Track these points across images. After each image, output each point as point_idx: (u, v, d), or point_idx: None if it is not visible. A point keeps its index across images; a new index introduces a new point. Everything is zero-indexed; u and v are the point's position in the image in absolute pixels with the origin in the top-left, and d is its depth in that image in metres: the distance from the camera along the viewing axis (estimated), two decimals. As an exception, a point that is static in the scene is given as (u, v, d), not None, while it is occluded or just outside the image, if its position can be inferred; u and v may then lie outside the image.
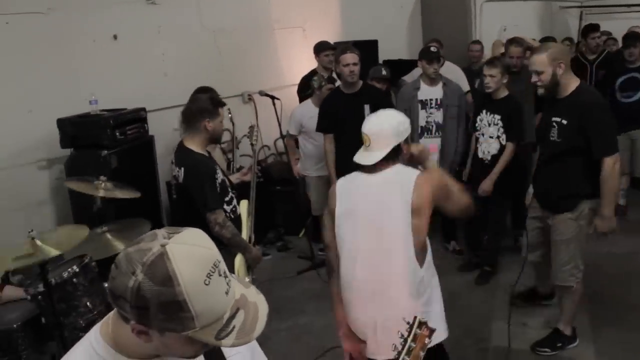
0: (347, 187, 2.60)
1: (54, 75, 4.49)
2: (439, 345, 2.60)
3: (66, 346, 2.71)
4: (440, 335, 2.51)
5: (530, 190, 3.83)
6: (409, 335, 1.44)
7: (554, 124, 3.42)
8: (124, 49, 5.03)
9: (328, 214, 2.62)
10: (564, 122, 3.37)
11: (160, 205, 4.74)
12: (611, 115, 3.44)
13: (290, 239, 5.80)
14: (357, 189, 2.55)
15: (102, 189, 3.47)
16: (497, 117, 4.51)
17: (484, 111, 4.59)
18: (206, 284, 1.04)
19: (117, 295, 1.06)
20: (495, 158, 4.56)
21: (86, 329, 2.82)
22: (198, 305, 1.04)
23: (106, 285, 3.16)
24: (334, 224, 2.56)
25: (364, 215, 2.50)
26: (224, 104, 3.35)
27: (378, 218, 2.47)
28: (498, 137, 4.53)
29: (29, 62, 4.35)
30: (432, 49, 5.31)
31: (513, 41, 5.32)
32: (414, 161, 2.65)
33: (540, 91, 3.46)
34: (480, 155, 4.62)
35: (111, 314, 1.19)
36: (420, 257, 2.48)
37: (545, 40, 6.27)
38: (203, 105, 3.21)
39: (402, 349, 1.43)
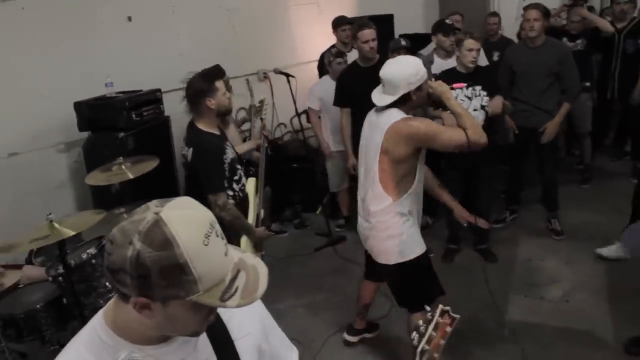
0: (365, 120, 3.06)
1: (69, 59, 4.52)
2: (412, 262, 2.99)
3: (87, 325, 2.79)
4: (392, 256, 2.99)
5: None
6: (430, 323, 1.43)
7: None
8: (138, 31, 5.05)
9: None
10: None
11: (178, 185, 4.78)
12: None
13: (308, 216, 5.82)
14: (367, 124, 3.02)
15: (121, 172, 3.50)
16: (478, 87, 4.39)
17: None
18: (205, 245, 1.04)
19: (116, 269, 1.04)
20: (483, 129, 4.43)
21: (106, 308, 2.90)
22: (200, 267, 1.03)
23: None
24: None
25: (362, 147, 3.03)
26: (219, 76, 3.28)
27: (366, 152, 2.97)
28: (483, 106, 4.41)
29: (44, 47, 4.38)
30: (447, 21, 5.25)
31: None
32: (433, 102, 2.95)
33: None
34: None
35: (113, 299, 1.18)
36: (392, 190, 2.88)
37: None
38: (197, 86, 3.19)
39: (423, 337, 1.42)
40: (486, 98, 4.40)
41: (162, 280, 1.02)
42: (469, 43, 4.30)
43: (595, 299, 3.98)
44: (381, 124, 2.83)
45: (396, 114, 2.82)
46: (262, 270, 1.16)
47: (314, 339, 3.82)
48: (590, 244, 4.62)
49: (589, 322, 3.74)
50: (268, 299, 4.54)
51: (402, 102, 2.83)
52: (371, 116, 3.00)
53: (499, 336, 3.73)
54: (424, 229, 5.13)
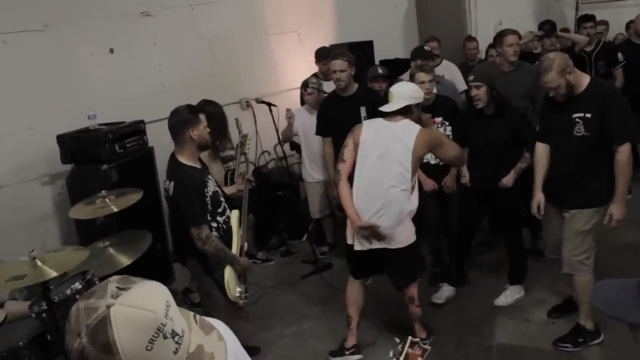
0: (371, 124, 3.69)
1: (52, 92, 4.54)
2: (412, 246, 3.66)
3: (72, 362, 2.74)
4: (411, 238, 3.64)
5: (537, 199, 3.79)
6: (400, 355, 1.44)
7: (577, 119, 3.51)
8: (120, 62, 5.08)
9: (352, 138, 3.65)
10: (588, 115, 3.47)
11: (163, 216, 4.77)
12: (627, 101, 3.57)
13: (294, 243, 5.80)
14: (378, 127, 3.62)
15: (105, 205, 3.49)
16: (439, 119, 4.44)
17: None
18: (148, 350, 1.07)
19: (69, 350, 1.10)
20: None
21: (91, 344, 2.84)
22: None
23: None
24: (354, 146, 3.62)
25: (380, 146, 3.53)
26: (202, 110, 3.40)
27: (385, 150, 3.51)
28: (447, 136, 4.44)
29: (27, 80, 4.41)
30: (426, 47, 5.32)
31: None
32: (421, 124, 3.65)
33: (558, 99, 3.57)
34: (432, 161, 4.44)
35: None
36: (410, 184, 3.52)
37: (544, 24, 6.26)
38: (182, 115, 3.25)
39: None
40: (449, 128, 4.44)
41: None
42: (420, 76, 4.33)
43: (581, 319, 4.00)
44: (403, 131, 3.52)
45: (413, 124, 3.57)
46: (220, 358, 1.19)
47: (301, 369, 3.80)
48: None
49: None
50: (255, 329, 4.55)
51: (405, 112, 3.57)
52: (382, 122, 3.62)
53: (487, 360, 3.74)
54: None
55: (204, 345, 1.18)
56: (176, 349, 1.12)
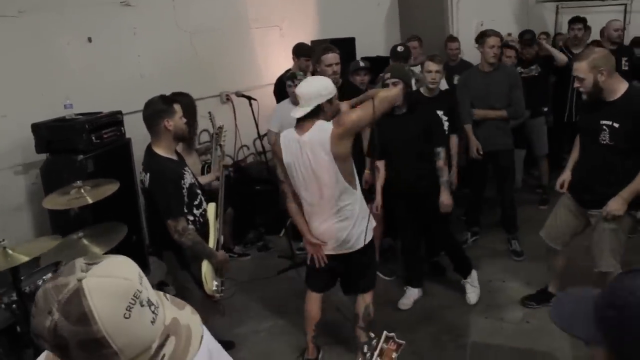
0: (284, 141, 3.28)
1: (28, 80, 4.45)
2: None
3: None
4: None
5: (564, 177, 3.79)
6: (375, 350, 1.41)
7: (604, 127, 3.39)
8: (99, 52, 5.00)
9: (277, 157, 3.39)
10: (616, 125, 3.35)
11: (139, 208, 4.71)
12: None
13: (271, 238, 5.78)
14: (293, 146, 3.22)
15: (80, 196, 3.42)
16: (440, 112, 4.46)
17: None
18: (126, 317, 1.03)
19: (37, 334, 1.04)
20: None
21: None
22: (120, 340, 1.03)
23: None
24: (281, 163, 3.33)
25: (301, 168, 3.22)
26: (176, 101, 3.35)
27: (312, 170, 3.18)
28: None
29: (1, 67, 4.31)
30: (399, 48, 5.29)
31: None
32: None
33: (584, 97, 3.52)
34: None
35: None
36: (352, 183, 3.28)
37: (525, 33, 6.30)
38: (156, 106, 3.21)
39: None
40: (446, 123, 4.46)
41: (81, 352, 1.02)
42: (428, 65, 4.44)
43: (554, 319, 4.04)
44: (316, 139, 3.13)
45: (325, 125, 3.14)
46: (196, 332, 1.16)
47: (276, 364, 3.78)
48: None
49: (549, 342, 3.79)
50: (230, 323, 4.51)
51: (317, 113, 3.15)
52: (296, 139, 3.21)
53: (461, 359, 3.75)
54: (389, 252, 5.21)
55: (179, 319, 1.15)
56: (153, 319, 1.08)
